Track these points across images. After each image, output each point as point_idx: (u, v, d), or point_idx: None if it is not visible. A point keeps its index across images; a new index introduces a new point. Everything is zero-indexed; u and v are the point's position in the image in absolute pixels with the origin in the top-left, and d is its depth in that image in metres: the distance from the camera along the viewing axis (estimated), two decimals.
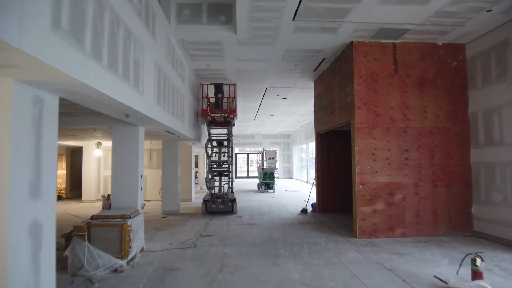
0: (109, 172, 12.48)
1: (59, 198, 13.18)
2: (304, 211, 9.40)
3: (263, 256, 5.28)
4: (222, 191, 10.01)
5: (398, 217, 6.44)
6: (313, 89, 9.94)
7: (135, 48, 4.02)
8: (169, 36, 6.00)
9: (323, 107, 8.77)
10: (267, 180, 15.69)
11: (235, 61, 7.77)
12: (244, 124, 20.02)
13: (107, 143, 12.18)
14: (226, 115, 9.44)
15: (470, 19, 5.61)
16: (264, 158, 17.53)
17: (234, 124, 11.31)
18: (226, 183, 10.42)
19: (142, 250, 5.50)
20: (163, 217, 8.96)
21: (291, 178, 25.75)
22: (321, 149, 9.39)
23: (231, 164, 10.43)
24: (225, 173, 10.17)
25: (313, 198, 10.10)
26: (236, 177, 26.68)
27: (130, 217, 4.96)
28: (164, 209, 9.55)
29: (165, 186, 9.54)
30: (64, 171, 14.06)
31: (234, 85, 9.80)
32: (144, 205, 6.01)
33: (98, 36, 2.98)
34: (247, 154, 28.28)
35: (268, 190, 15.74)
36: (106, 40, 3.16)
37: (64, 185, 13.97)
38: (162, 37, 5.43)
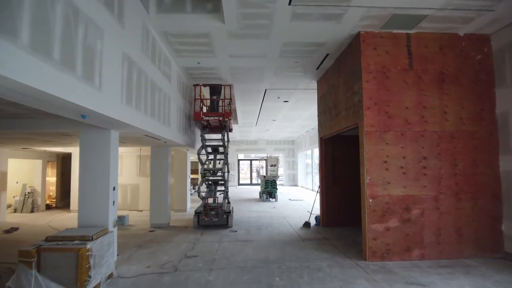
0: None
1: (48, 207, 12.47)
2: (306, 224, 8.47)
3: (254, 286, 4.38)
4: (217, 202, 9.13)
5: (415, 236, 5.48)
6: (316, 91, 9.08)
7: (87, 31, 3.23)
8: (148, 27, 5.22)
9: (327, 109, 7.89)
10: (269, 188, 14.75)
11: (227, 58, 6.95)
12: (246, 129, 19.18)
13: None
14: (221, 118, 8.61)
15: (500, 2, 4.70)
16: (267, 165, 16.62)
17: (231, 129, 10.49)
18: (221, 193, 9.54)
19: (111, 276, 4.64)
20: (150, 231, 8.11)
21: (296, 185, 24.73)
22: (325, 156, 8.48)
23: (227, 172, 9.58)
24: (221, 182, 9.31)
25: (317, 208, 9.16)
26: (239, 184, 25.82)
27: (92, 238, 4.12)
28: (152, 222, 8.70)
29: (154, 196, 8.71)
30: (55, 179, 13.38)
31: (230, 86, 8.99)
32: (117, 221, 5.18)
33: (11, 5, 2.18)
34: (250, 160, 27.35)
35: (271, 199, 14.80)
36: (28, 13, 2.35)
37: (55, 194, 13.27)
38: (135, 26, 4.65)
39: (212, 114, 8.63)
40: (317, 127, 13.89)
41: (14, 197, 11.66)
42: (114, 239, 4.90)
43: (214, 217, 8.31)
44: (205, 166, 8.90)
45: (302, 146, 23.13)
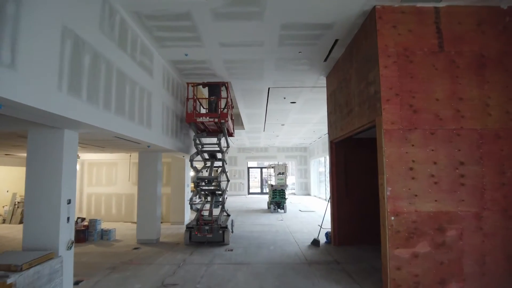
0: (93, 189, 10.96)
1: None
2: (315, 242, 7.26)
3: None
4: (213, 214, 8.07)
5: (452, 265, 4.23)
6: (326, 89, 7.96)
7: None
8: (112, 4, 4.30)
9: (337, 107, 6.75)
10: (277, 198, 13.57)
11: (218, 48, 5.97)
12: (255, 135, 18.14)
13: (89, 156, 10.70)
14: (217, 120, 7.59)
15: None
16: (275, 173, 15.44)
17: (232, 133, 9.47)
18: (219, 205, 8.49)
19: None
20: (135, 248, 7.11)
21: (309, 194, 23.35)
22: (336, 162, 7.29)
23: (227, 181, 8.54)
24: (218, 193, 8.27)
25: (328, 221, 7.94)
26: (249, 193, 24.72)
27: (20, 269, 3.14)
28: (139, 237, 7.70)
29: (141, 208, 7.74)
30: None
31: (226, 84, 8.00)
32: (72, 243, 4.19)
33: None
34: (261, 168, 26.21)
35: (279, 210, 13.60)
36: None
37: None
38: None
39: (206, 115, 7.64)
40: None
41: (3, 207, 10.99)
42: (65, 266, 3.91)
43: (208, 232, 7.25)
44: (199, 174, 7.87)
45: (315, 153, 21.83)
